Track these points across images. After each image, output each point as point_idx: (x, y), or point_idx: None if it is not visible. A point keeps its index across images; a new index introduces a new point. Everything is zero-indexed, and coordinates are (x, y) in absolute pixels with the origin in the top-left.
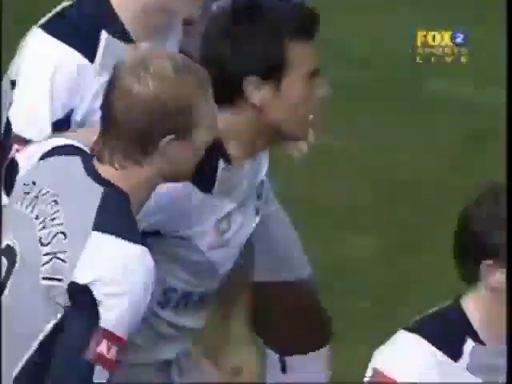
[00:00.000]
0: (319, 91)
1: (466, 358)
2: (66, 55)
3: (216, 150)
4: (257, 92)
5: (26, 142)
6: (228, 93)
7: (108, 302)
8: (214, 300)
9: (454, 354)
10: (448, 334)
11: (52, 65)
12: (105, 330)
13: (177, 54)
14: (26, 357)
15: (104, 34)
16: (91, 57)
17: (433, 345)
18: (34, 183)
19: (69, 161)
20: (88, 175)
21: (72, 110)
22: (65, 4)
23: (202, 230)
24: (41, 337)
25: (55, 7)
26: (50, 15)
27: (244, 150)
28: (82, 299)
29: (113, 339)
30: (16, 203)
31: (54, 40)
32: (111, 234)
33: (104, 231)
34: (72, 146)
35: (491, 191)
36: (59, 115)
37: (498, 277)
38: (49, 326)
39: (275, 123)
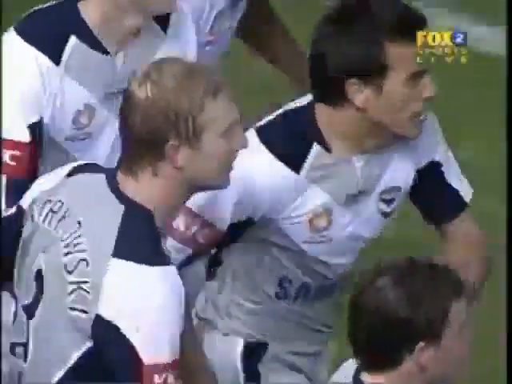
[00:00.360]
0: (424, 91)
1: None
2: (31, 56)
3: (312, 134)
4: (359, 94)
5: (15, 144)
6: (331, 93)
7: (137, 335)
8: (338, 293)
9: None
10: None
11: (17, 67)
12: (148, 365)
13: (189, 59)
14: None
15: (72, 39)
16: (57, 59)
17: None
18: (61, 202)
19: (94, 178)
20: (112, 192)
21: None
22: (37, 7)
23: (293, 215)
24: (68, 364)
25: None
26: (23, 16)
27: (349, 144)
28: (110, 336)
29: (162, 369)
30: (43, 222)
31: (22, 41)
32: (129, 259)
33: (122, 257)
34: (95, 164)
35: (392, 270)
36: (35, 118)
37: (429, 354)
38: (76, 355)
39: (379, 123)
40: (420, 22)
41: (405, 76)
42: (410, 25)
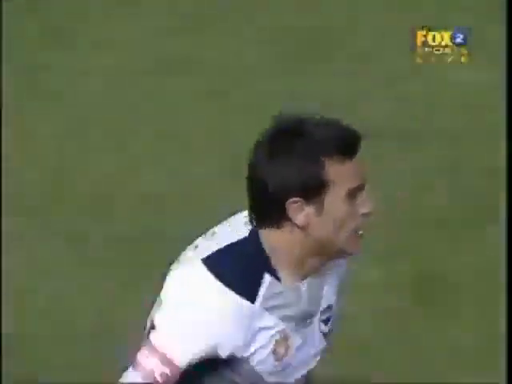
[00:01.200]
0: (362, 207)
1: None
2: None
3: (262, 264)
4: (299, 213)
5: None
6: (272, 215)
7: None
8: None
9: None
10: None
11: None
12: None
13: None
14: None
15: None
16: None
17: None
18: None
19: None
20: None
21: None
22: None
23: (257, 348)
24: None
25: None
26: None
27: (295, 268)
28: None
29: None
30: None
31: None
32: None
33: None
34: None
35: None
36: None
37: None
38: None
39: (321, 241)
40: (357, 139)
41: (344, 193)
42: (347, 142)
